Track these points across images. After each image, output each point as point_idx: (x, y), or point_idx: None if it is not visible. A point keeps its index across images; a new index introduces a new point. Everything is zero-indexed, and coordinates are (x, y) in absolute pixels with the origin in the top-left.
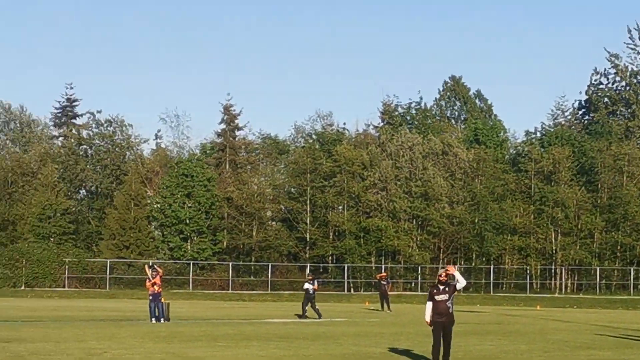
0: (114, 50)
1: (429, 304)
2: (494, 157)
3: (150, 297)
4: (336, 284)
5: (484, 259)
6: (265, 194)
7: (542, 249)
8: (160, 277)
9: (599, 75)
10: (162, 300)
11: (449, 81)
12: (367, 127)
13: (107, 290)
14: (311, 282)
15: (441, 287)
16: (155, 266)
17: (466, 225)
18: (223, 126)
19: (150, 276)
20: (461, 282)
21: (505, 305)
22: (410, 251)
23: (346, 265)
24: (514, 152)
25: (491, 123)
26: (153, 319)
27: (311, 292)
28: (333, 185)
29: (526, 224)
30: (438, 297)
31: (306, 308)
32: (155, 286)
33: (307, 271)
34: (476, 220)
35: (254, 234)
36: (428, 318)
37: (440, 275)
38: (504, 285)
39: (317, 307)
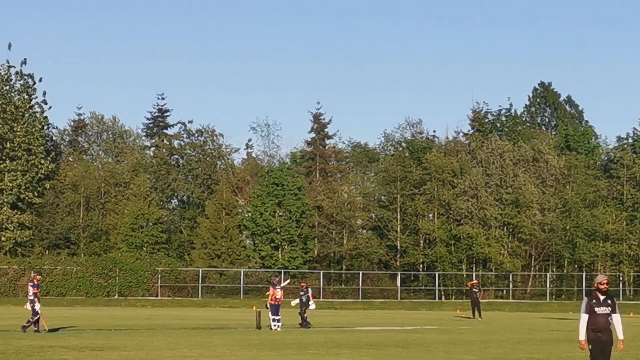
0: (205, 60)
1: (585, 318)
2: (586, 163)
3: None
4: (427, 291)
5: (575, 266)
6: (356, 202)
7: (635, 256)
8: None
9: None
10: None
11: (539, 87)
12: (456, 134)
13: (199, 299)
14: (304, 291)
15: (601, 298)
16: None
17: (558, 232)
18: (313, 135)
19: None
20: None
21: None
22: (501, 258)
23: (437, 273)
24: (606, 158)
25: (582, 129)
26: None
27: (304, 299)
28: (423, 193)
29: (619, 230)
30: (599, 310)
31: (304, 315)
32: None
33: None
34: (568, 227)
35: (345, 242)
36: (583, 337)
37: (600, 283)
38: None
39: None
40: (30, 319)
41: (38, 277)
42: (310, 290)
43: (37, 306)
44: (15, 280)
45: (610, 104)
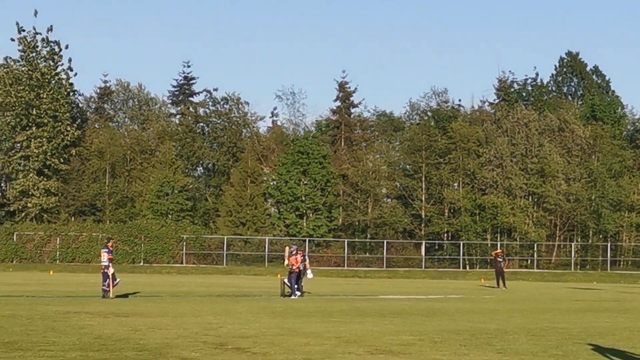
0: (231, 28)
1: None
2: (612, 133)
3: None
4: (451, 260)
5: (600, 237)
6: (381, 171)
7: None
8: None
9: None
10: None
11: (566, 57)
12: (482, 103)
13: (223, 267)
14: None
15: None
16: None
17: (583, 202)
18: (338, 103)
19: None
20: None
21: (622, 282)
22: (526, 228)
23: (461, 242)
24: (632, 128)
25: (609, 99)
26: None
27: (302, 267)
28: (448, 162)
29: None
30: None
31: (301, 284)
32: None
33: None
34: (593, 197)
35: (369, 211)
36: None
37: None
38: (622, 263)
39: (302, 284)
40: (104, 286)
41: (111, 242)
42: (307, 259)
43: (111, 271)
44: (41, 247)
45: (637, 74)
